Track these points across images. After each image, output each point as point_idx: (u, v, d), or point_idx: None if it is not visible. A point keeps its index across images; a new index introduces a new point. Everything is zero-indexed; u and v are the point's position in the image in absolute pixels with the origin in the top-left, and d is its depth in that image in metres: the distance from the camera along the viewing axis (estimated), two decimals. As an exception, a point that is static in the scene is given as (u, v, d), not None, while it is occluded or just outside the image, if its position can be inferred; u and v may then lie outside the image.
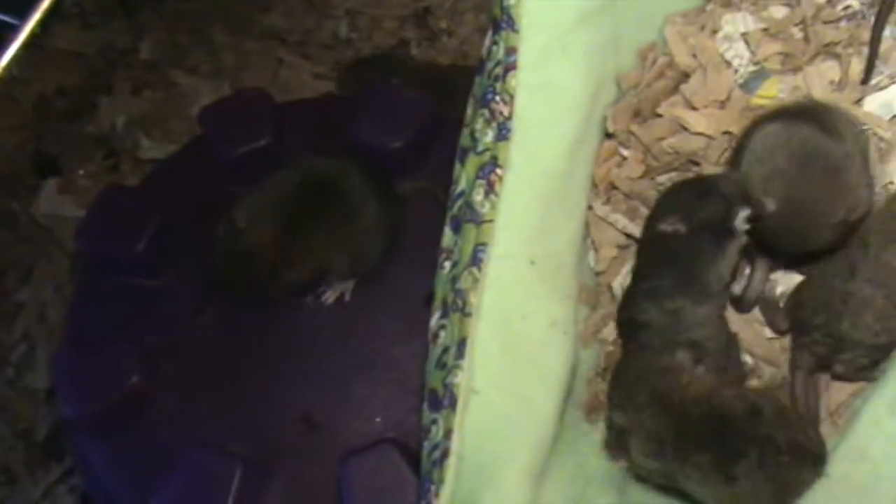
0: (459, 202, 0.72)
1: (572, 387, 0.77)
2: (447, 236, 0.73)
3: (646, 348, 0.74)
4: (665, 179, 0.83)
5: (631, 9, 0.80)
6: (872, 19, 0.80)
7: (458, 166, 0.74)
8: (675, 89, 0.83)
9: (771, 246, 0.75)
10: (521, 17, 0.69)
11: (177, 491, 0.88)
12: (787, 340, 0.78)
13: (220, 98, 1.13)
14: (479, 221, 0.69)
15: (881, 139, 0.78)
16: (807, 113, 0.74)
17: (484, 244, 0.68)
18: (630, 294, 0.76)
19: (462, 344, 0.67)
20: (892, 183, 0.76)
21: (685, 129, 0.82)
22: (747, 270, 0.79)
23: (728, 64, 0.83)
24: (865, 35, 0.80)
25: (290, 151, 1.00)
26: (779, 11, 0.84)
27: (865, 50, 0.80)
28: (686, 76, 0.83)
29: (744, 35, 0.83)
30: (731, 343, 0.76)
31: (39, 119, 1.30)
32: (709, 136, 0.81)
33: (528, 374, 0.72)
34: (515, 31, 0.69)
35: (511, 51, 0.69)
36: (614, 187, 0.83)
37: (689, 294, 0.73)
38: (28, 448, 1.16)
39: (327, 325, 0.95)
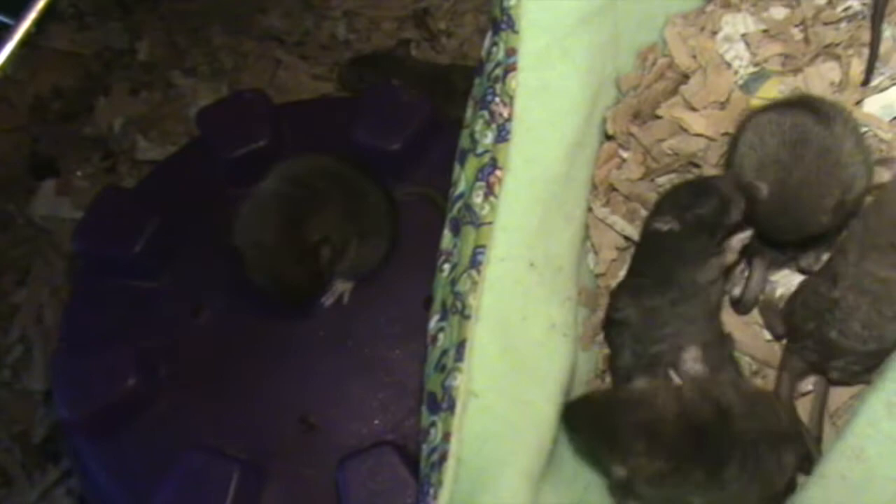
0: (459, 204, 0.72)
1: (571, 389, 0.77)
2: (446, 238, 0.72)
3: (618, 367, 0.75)
4: (665, 181, 0.83)
5: (631, 10, 0.80)
6: (873, 20, 0.80)
7: (457, 168, 0.73)
8: (674, 91, 0.83)
9: (768, 234, 0.75)
10: (521, 19, 0.69)
11: (174, 493, 0.87)
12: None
13: (218, 99, 1.12)
14: (478, 224, 0.68)
15: (882, 141, 0.78)
16: (798, 102, 0.75)
17: (483, 246, 0.68)
18: (614, 291, 0.77)
19: (461, 346, 0.66)
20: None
21: (685, 130, 0.82)
22: (745, 272, 0.79)
23: (728, 65, 0.82)
24: (866, 36, 0.80)
25: (288, 153, 1.00)
26: (779, 12, 0.83)
27: (866, 51, 0.80)
28: (686, 77, 0.82)
29: (744, 36, 0.82)
30: (721, 344, 0.76)
31: (36, 120, 1.30)
32: (709, 138, 0.80)
33: (528, 377, 0.71)
34: (515, 32, 0.69)
35: (511, 52, 0.69)
36: (614, 189, 0.83)
37: (667, 294, 0.73)
38: (25, 450, 1.16)
39: (325, 327, 0.95)
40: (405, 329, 0.93)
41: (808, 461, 0.71)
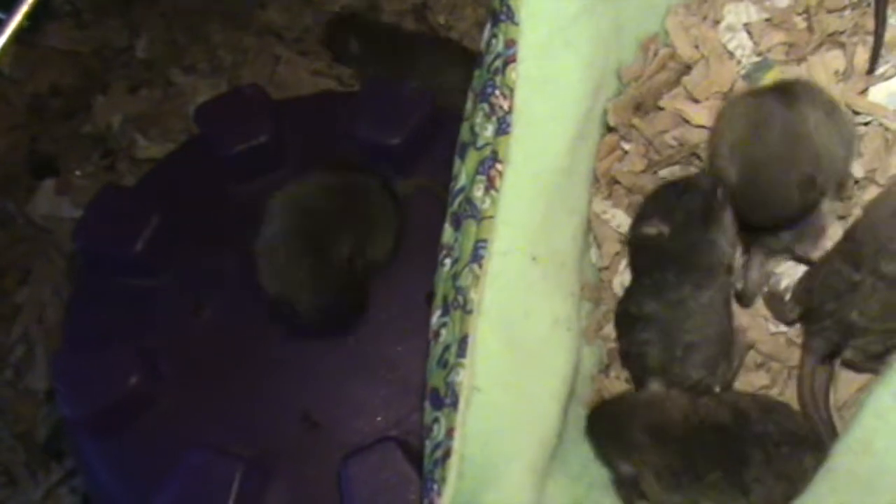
0: (459, 198, 0.71)
1: (575, 384, 0.76)
2: (447, 233, 0.72)
3: (639, 355, 0.75)
4: (667, 173, 0.82)
5: (633, 0, 0.79)
6: (878, 8, 0.79)
7: (457, 162, 0.73)
8: (677, 81, 0.82)
9: (745, 218, 0.75)
10: (521, 9, 0.68)
11: (177, 492, 0.87)
12: (792, 334, 0.78)
13: (217, 95, 1.11)
14: (479, 217, 0.68)
15: (887, 130, 0.77)
16: (773, 86, 0.75)
17: (484, 240, 0.67)
18: (631, 290, 0.76)
19: (463, 341, 0.66)
20: (896, 175, 0.76)
21: (687, 121, 0.81)
22: (744, 263, 0.79)
23: (731, 55, 0.82)
24: (870, 23, 0.79)
25: (289, 148, 0.99)
26: (782, 1, 0.82)
27: (870, 39, 0.79)
28: (688, 68, 0.82)
29: (746, 25, 0.82)
30: (732, 336, 0.75)
31: (34, 119, 1.29)
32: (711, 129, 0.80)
33: (531, 372, 0.71)
34: (515, 23, 0.68)
35: (510, 43, 0.68)
36: (616, 182, 0.82)
37: (692, 281, 0.73)
38: (28, 449, 1.15)
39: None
40: (407, 325, 0.92)
41: None
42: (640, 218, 0.77)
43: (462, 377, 0.65)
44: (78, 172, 1.27)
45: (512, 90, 0.68)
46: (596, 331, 0.81)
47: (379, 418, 0.92)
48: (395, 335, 0.93)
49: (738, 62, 0.81)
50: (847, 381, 0.75)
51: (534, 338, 0.71)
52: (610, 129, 0.81)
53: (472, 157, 0.70)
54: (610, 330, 0.81)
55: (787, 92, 0.73)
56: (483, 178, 0.68)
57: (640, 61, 0.82)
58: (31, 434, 1.16)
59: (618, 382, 0.80)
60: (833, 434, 0.72)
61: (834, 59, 0.79)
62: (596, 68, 0.75)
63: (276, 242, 0.90)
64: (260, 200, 0.91)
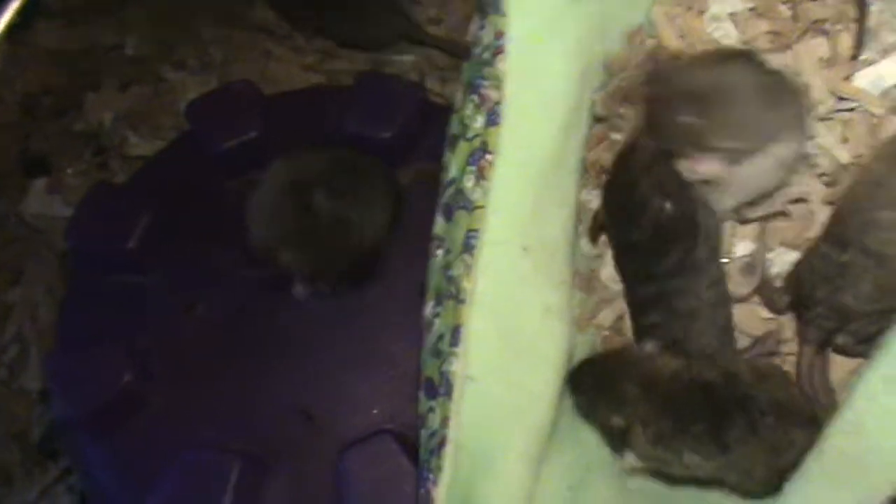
0: (450, 189, 0.72)
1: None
2: (439, 224, 0.72)
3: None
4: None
5: (619, -9, 0.80)
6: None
7: (447, 154, 0.73)
8: (664, 71, 0.82)
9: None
10: (508, 1, 0.69)
11: (175, 488, 0.87)
12: (783, 321, 0.78)
13: (207, 91, 1.12)
14: (470, 208, 0.69)
15: (872, 115, 0.78)
16: None
17: (476, 230, 0.68)
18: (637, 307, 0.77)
19: (456, 331, 0.67)
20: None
21: (675, 111, 0.81)
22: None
23: (717, 44, 0.82)
24: (853, 11, 0.80)
25: (280, 143, 0.99)
26: (766, -11, 0.83)
27: (854, 26, 0.80)
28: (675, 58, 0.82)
29: (731, 15, 0.82)
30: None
31: (26, 118, 1.29)
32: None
33: (525, 360, 0.71)
34: (502, 14, 0.69)
35: (499, 35, 0.69)
36: (605, 171, 0.83)
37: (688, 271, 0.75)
38: (24, 449, 1.15)
39: (322, 317, 0.95)
40: (402, 317, 0.93)
41: None
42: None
43: (455, 366, 0.66)
44: (70, 171, 1.26)
45: (501, 81, 0.69)
46: (589, 319, 0.81)
47: (375, 411, 0.92)
48: (389, 328, 0.94)
49: (725, 51, 0.82)
50: (839, 365, 0.76)
51: (526, 327, 0.72)
52: (598, 120, 0.82)
53: (463, 149, 0.71)
54: (603, 318, 0.81)
55: (716, 58, 0.76)
56: (474, 168, 0.69)
57: (626, 52, 0.83)
58: (25, 434, 1.16)
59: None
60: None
61: (818, 46, 0.80)
62: (583, 59, 0.75)
63: (264, 199, 0.90)
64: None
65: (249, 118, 0.98)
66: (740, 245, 0.81)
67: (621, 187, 0.76)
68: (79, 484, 1.12)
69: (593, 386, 0.73)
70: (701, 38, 0.82)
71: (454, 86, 0.75)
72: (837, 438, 0.67)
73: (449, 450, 0.65)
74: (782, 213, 0.79)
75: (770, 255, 0.80)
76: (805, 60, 0.80)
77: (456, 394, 0.65)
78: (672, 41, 0.83)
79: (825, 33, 0.80)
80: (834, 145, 0.78)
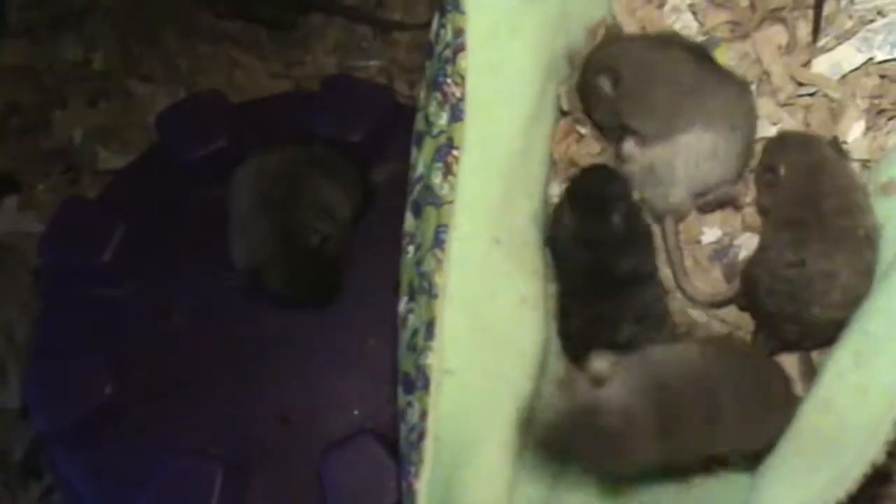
0: (419, 186, 0.72)
1: (546, 362, 0.77)
2: (408, 221, 0.73)
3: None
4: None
5: (578, -15, 0.81)
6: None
7: (414, 151, 0.74)
8: (626, 63, 0.83)
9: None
10: (468, -1, 0.69)
11: (159, 497, 0.87)
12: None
13: (175, 102, 1.12)
14: (439, 203, 0.69)
15: (831, 100, 0.79)
16: None
17: (445, 225, 0.69)
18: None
19: (431, 325, 0.67)
20: (845, 143, 0.78)
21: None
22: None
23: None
24: (809, -1, 0.82)
25: (250, 151, 0.99)
26: (723, -20, 0.84)
27: (811, 13, 0.81)
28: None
29: (690, 6, 0.84)
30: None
31: (-5, 136, 1.29)
32: (662, 107, 0.81)
33: (501, 351, 0.72)
34: (462, 12, 0.69)
35: (459, 32, 0.70)
36: (574, 164, 0.84)
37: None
38: (5, 469, 1.15)
39: (297, 320, 0.95)
40: (377, 316, 0.93)
41: None
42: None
43: (431, 360, 0.66)
44: (41, 187, 1.26)
45: (463, 78, 0.70)
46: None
47: (355, 411, 0.93)
48: (365, 328, 0.95)
49: (685, 41, 0.83)
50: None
51: (501, 317, 0.72)
52: (564, 113, 0.83)
53: (429, 146, 0.72)
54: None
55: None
56: (440, 164, 0.69)
57: (588, 45, 0.84)
58: (7, 453, 1.15)
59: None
60: None
61: (776, 34, 0.81)
62: (544, 53, 0.76)
63: (243, 218, 0.91)
64: (223, 203, 0.92)
65: (218, 127, 0.99)
66: (709, 232, 0.82)
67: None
68: (62, 501, 1.11)
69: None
70: (662, 29, 0.83)
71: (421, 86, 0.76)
72: (810, 417, 0.67)
73: (428, 442, 0.66)
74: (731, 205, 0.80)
75: (738, 241, 0.81)
76: (764, 48, 0.81)
77: (433, 387, 0.66)
78: (634, 33, 0.84)
79: (783, 21, 0.81)
80: (797, 130, 0.80)
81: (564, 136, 0.84)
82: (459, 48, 0.70)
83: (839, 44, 0.80)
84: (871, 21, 0.79)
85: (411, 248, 0.72)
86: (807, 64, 0.80)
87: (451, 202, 0.69)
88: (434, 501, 0.66)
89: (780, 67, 0.80)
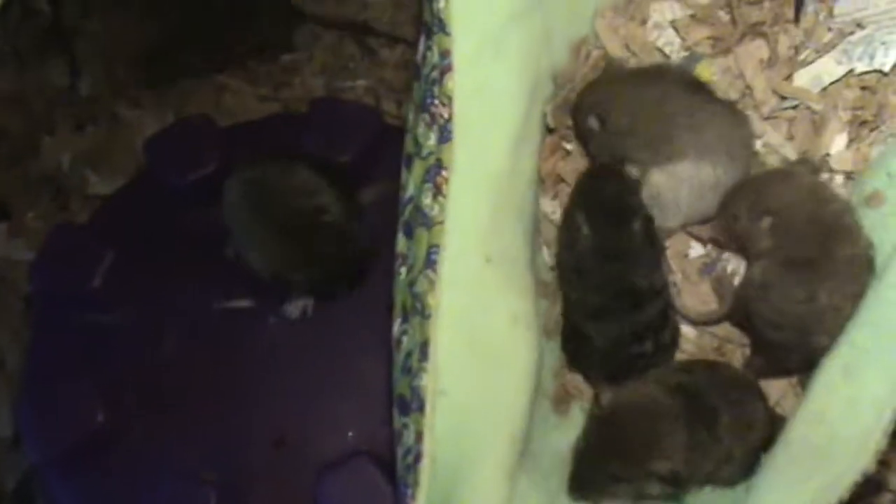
0: (409, 207, 0.73)
1: (540, 380, 0.78)
2: (401, 242, 0.73)
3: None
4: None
5: (560, 5, 0.82)
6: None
7: (404, 172, 0.74)
8: (610, 80, 0.84)
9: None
10: (452, 20, 0.70)
11: (153, 524, 0.87)
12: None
13: (163, 128, 1.12)
14: (430, 224, 0.70)
15: (814, 112, 0.80)
16: None
17: (437, 246, 0.69)
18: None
19: (424, 347, 0.67)
20: (828, 155, 0.79)
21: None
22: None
23: (660, 51, 0.84)
24: (789, 13, 0.83)
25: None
26: (704, -4, 0.86)
27: (791, 27, 0.82)
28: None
29: (672, 22, 0.85)
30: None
31: (-18, 164, 1.29)
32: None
33: (495, 371, 0.72)
34: (447, 34, 0.70)
35: (445, 53, 0.70)
36: (562, 180, 0.85)
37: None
38: (-2, 499, 1.14)
39: (291, 342, 0.95)
40: (372, 337, 0.93)
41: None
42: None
43: (426, 381, 0.66)
44: (30, 214, 1.26)
45: (451, 99, 0.70)
46: (556, 326, 0.83)
47: (350, 434, 0.93)
48: (360, 350, 0.94)
49: (668, 58, 0.84)
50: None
51: (494, 337, 0.73)
52: (550, 131, 0.84)
53: (418, 167, 0.72)
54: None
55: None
56: (430, 185, 0.70)
57: (572, 64, 0.84)
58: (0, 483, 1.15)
59: (580, 377, 0.82)
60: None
61: (758, 48, 0.82)
62: (529, 73, 0.77)
63: (251, 232, 0.92)
64: (213, 227, 0.92)
65: (207, 152, 0.99)
66: (696, 246, 0.83)
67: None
68: (56, 530, 1.10)
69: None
70: (645, 47, 0.84)
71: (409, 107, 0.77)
72: (801, 428, 0.68)
73: (425, 464, 0.66)
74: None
75: (725, 255, 0.82)
76: (746, 63, 0.82)
77: (428, 408, 0.66)
78: (617, 51, 0.85)
79: (763, 36, 0.83)
80: (781, 143, 0.81)
81: (551, 153, 0.85)
82: (446, 69, 0.70)
83: (819, 56, 0.81)
84: (851, 33, 0.80)
85: (403, 270, 0.72)
86: (788, 77, 0.81)
87: (441, 223, 0.69)
88: (431, 523, 0.66)
89: (762, 81, 0.81)
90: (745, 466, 0.73)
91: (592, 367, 0.79)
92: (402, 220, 0.73)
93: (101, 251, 0.96)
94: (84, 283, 0.95)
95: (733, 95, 0.81)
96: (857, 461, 0.62)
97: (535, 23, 0.77)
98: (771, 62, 0.82)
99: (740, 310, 0.76)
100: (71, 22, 1.32)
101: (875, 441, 0.62)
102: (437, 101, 0.70)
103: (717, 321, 0.79)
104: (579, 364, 0.80)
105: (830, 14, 0.82)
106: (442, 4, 0.69)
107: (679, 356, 0.80)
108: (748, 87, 0.82)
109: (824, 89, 0.80)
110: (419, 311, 0.68)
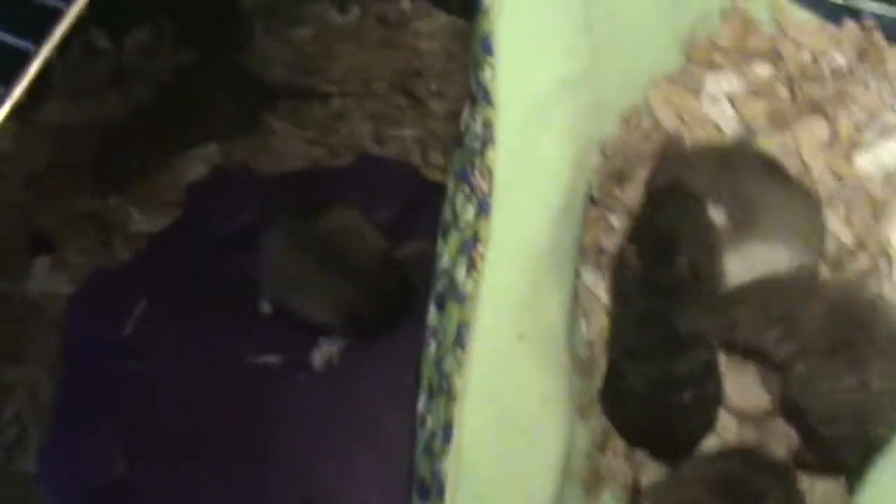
0: (443, 279, 0.71)
1: (570, 462, 0.75)
2: (432, 314, 0.71)
3: None
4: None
5: (613, 73, 0.80)
6: (860, 75, 0.79)
7: (440, 242, 0.73)
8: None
9: None
10: (497, 92, 0.68)
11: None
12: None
13: (203, 177, 1.12)
14: (462, 300, 0.67)
15: (874, 199, 0.76)
16: None
17: (467, 323, 0.67)
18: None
19: (448, 429, 0.65)
20: (890, 245, 0.75)
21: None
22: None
23: (715, 125, 0.82)
24: (852, 90, 0.79)
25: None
26: (763, 70, 0.83)
27: (853, 106, 0.79)
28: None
29: (728, 95, 0.82)
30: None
31: (30, 196, 1.30)
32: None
33: (522, 452, 0.70)
34: (492, 105, 0.68)
35: (488, 125, 0.68)
36: (602, 251, 0.82)
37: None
38: (24, 535, 1.13)
39: (320, 400, 0.93)
40: (400, 392, 0.90)
41: None
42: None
43: (447, 466, 0.64)
44: (73, 249, 1.26)
45: (491, 171, 0.68)
46: (590, 405, 0.79)
47: (374, 494, 0.90)
48: (387, 409, 0.91)
49: (722, 131, 0.81)
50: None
51: (523, 417, 0.70)
52: (594, 202, 0.81)
53: (455, 238, 0.70)
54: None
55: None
56: (465, 259, 0.68)
57: (622, 133, 0.82)
58: (27, 519, 1.14)
59: (615, 459, 0.78)
60: None
61: (818, 126, 0.79)
62: (576, 143, 0.75)
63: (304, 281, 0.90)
64: (245, 279, 0.91)
65: (246, 202, 0.99)
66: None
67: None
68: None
69: None
70: (699, 119, 0.82)
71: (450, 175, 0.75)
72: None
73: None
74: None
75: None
76: (804, 140, 0.79)
77: (448, 495, 0.63)
78: (670, 122, 0.82)
79: (824, 113, 0.79)
80: (838, 228, 0.77)
81: (594, 223, 0.82)
82: (488, 140, 0.68)
83: (882, 139, 0.77)
84: (917, 115, 0.77)
85: (433, 343, 0.70)
86: (848, 159, 0.78)
87: (474, 299, 0.67)
88: None
89: (820, 161, 0.78)
90: None
91: (628, 418, 0.75)
92: (434, 291, 0.71)
93: (134, 298, 0.96)
94: (116, 332, 0.95)
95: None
96: None
97: (585, 93, 0.75)
98: (831, 141, 0.79)
99: (789, 409, 0.72)
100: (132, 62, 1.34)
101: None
102: (477, 173, 0.68)
103: (766, 418, 0.75)
104: (615, 415, 0.76)
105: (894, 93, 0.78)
106: (488, 75, 0.67)
107: (715, 441, 0.76)
108: (804, 165, 0.79)
109: (887, 174, 0.76)
110: (445, 390, 0.66)
